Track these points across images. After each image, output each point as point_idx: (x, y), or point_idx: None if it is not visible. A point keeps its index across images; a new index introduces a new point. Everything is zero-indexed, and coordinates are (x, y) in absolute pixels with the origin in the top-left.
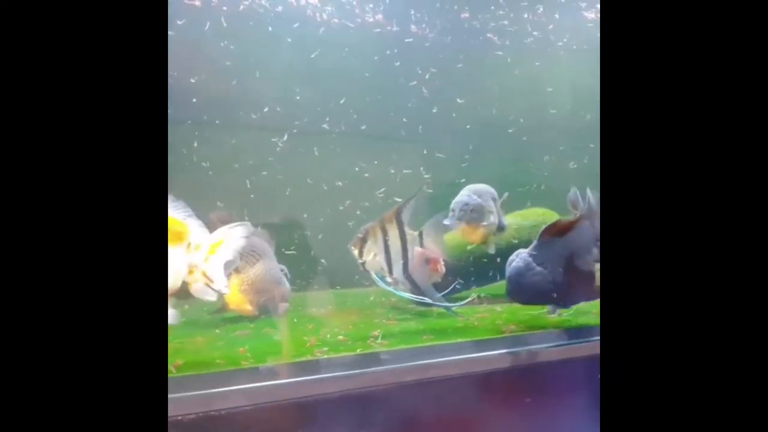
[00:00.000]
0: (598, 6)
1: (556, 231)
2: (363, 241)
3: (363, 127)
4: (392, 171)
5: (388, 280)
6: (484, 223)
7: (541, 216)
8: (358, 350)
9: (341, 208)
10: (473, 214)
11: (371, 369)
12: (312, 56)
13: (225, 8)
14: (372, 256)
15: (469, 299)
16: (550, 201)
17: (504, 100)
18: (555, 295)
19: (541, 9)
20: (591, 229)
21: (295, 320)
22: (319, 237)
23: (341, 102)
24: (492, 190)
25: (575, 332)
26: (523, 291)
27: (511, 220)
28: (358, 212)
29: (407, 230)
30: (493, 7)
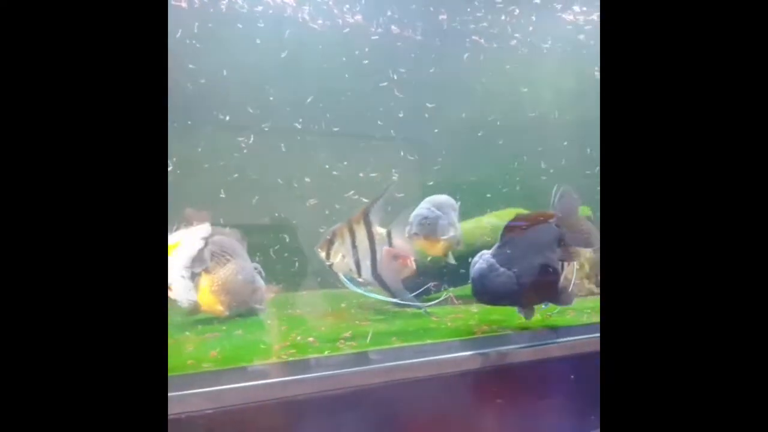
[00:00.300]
0: (575, 8)
1: (519, 229)
2: (330, 243)
3: (335, 129)
4: (361, 175)
5: (359, 280)
6: (444, 237)
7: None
8: (326, 352)
9: (325, 208)
10: (431, 228)
11: (336, 371)
12: (283, 56)
13: (196, 5)
14: (340, 258)
15: (441, 299)
16: (528, 202)
17: (480, 101)
18: (520, 295)
19: (518, 11)
20: (554, 228)
21: (269, 322)
22: (297, 237)
23: (309, 101)
24: (453, 201)
25: (548, 333)
26: (487, 292)
27: (487, 220)
28: (326, 212)
29: (375, 230)
30: (469, 9)
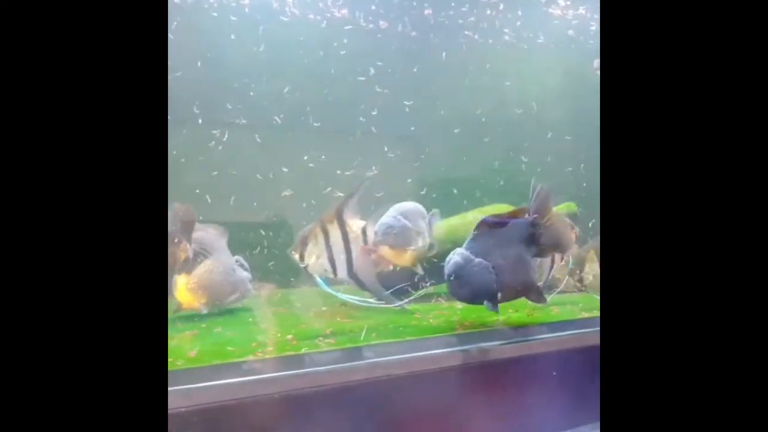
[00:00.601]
0: (560, 2)
1: (493, 223)
2: (303, 244)
3: (316, 124)
4: (338, 171)
5: (336, 279)
6: (411, 247)
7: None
8: (304, 350)
9: (304, 202)
10: (398, 238)
11: (311, 369)
12: (260, 49)
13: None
14: (314, 259)
15: (416, 295)
16: (510, 197)
17: (463, 97)
18: (496, 286)
19: (502, 6)
20: (528, 224)
21: (250, 319)
22: (281, 233)
23: (285, 91)
24: (422, 209)
25: (527, 330)
26: (465, 285)
27: (471, 216)
28: (304, 204)
29: (350, 228)
30: (453, 4)
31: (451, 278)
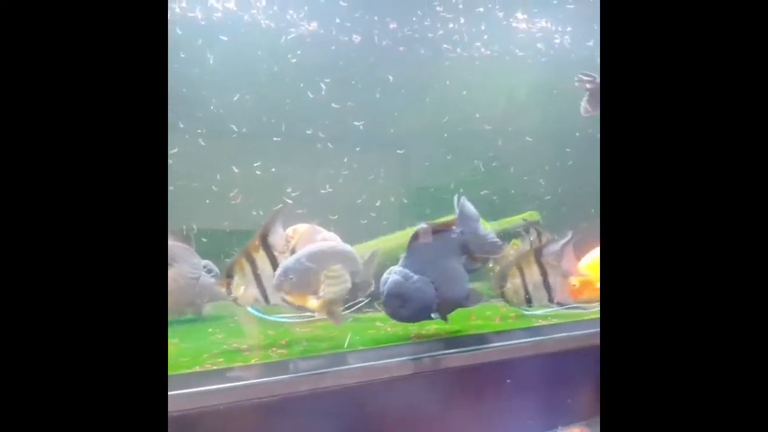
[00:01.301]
0: (518, 15)
1: (426, 235)
2: (229, 277)
3: (276, 138)
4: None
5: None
6: (319, 293)
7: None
8: (253, 361)
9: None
10: (295, 285)
11: (255, 381)
12: (212, 59)
13: None
14: (242, 291)
15: (356, 306)
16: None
17: (424, 108)
18: (436, 300)
19: (463, 20)
20: (458, 235)
21: (210, 329)
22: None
23: (244, 102)
24: (344, 250)
25: (482, 338)
26: (407, 303)
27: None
28: (254, 212)
29: (277, 252)
30: (415, 18)
31: (391, 298)
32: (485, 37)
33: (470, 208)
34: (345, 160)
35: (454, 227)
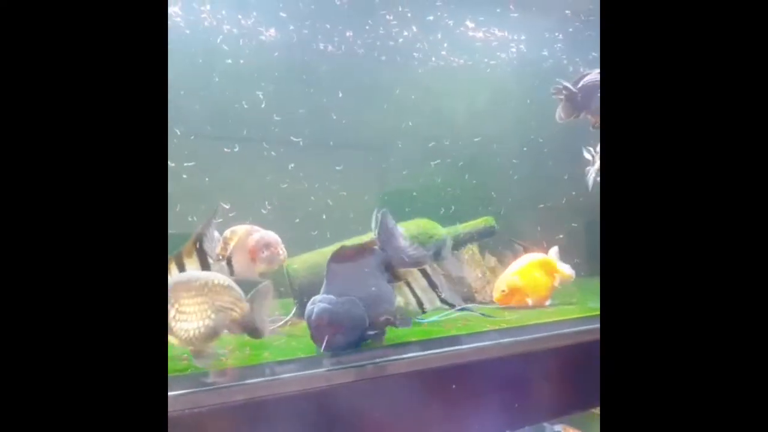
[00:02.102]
0: (468, 24)
1: (345, 257)
2: None
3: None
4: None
5: None
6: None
7: (423, 227)
8: (190, 370)
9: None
10: None
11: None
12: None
13: None
14: None
15: (288, 318)
16: (429, 215)
17: (378, 117)
18: (366, 319)
19: (415, 29)
20: (378, 251)
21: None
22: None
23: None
24: (214, 283)
25: (426, 344)
26: (341, 329)
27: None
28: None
29: (212, 260)
30: (367, 28)
31: (322, 329)
32: (440, 45)
33: (390, 223)
34: (291, 166)
35: (376, 246)
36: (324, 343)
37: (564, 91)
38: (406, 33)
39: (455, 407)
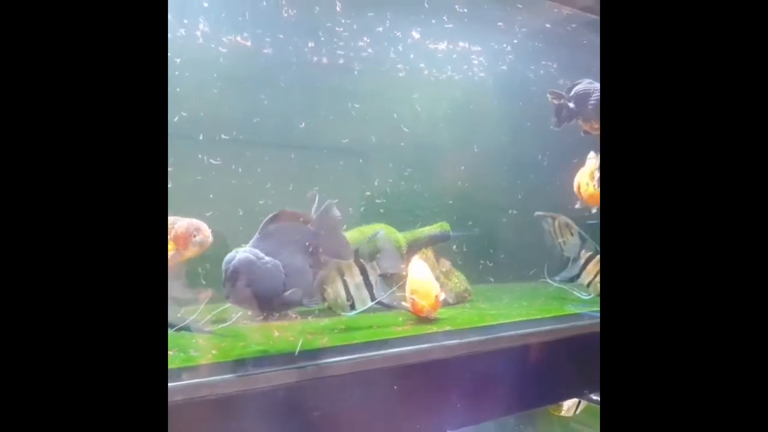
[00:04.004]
0: (414, 35)
1: (279, 221)
2: None
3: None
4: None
5: None
6: None
7: (379, 232)
8: None
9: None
10: None
11: None
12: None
13: None
14: None
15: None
16: (383, 219)
17: (333, 124)
18: (283, 289)
19: (367, 38)
20: (312, 232)
21: None
22: None
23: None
24: None
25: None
26: (252, 284)
27: (349, 235)
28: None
29: None
30: (322, 38)
31: (237, 275)
32: (388, 55)
33: (335, 211)
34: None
35: (310, 225)
36: (233, 292)
37: (559, 99)
38: (361, 43)
39: (395, 408)
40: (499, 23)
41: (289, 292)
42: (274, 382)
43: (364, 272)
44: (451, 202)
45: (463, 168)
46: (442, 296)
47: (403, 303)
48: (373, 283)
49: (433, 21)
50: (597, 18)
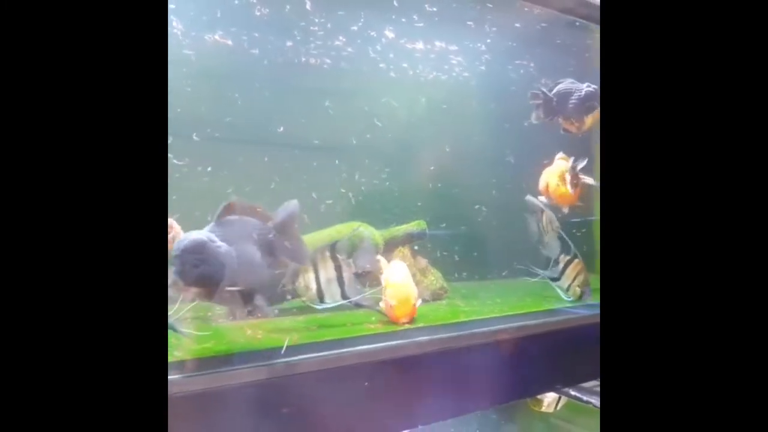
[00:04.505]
0: (389, 35)
1: (235, 211)
2: None
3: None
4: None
5: None
6: None
7: (358, 228)
8: None
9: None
10: None
11: None
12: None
13: None
14: None
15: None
16: (360, 217)
17: (309, 122)
18: (233, 276)
19: (343, 38)
20: (269, 230)
21: None
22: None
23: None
24: None
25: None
26: (203, 264)
27: (327, 233)
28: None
29: None
30: (299, 37)
31: (187, 254)
32: (366, 52)
33: (294, 212)
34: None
35: (270, 223)
36: (180, 273)
37: (541, 97)
38: (337, 42)
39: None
40: (469, 22)
41: (241, 282)
42: (242, 379)
43: (338, 268)
44: (426, 201)
45: (438, 166)
46: (418, 303)
47: (380, 304)
48: (345, 280)
49: (404, 20)
50: (571, 19)
